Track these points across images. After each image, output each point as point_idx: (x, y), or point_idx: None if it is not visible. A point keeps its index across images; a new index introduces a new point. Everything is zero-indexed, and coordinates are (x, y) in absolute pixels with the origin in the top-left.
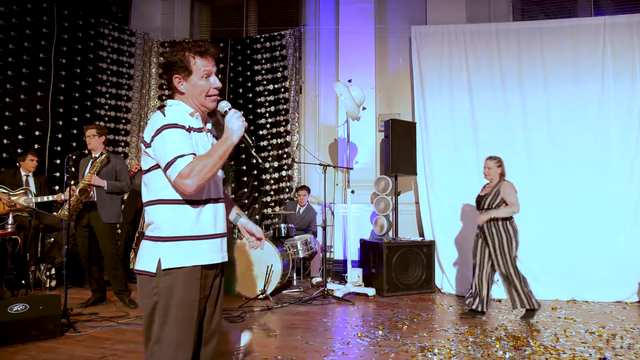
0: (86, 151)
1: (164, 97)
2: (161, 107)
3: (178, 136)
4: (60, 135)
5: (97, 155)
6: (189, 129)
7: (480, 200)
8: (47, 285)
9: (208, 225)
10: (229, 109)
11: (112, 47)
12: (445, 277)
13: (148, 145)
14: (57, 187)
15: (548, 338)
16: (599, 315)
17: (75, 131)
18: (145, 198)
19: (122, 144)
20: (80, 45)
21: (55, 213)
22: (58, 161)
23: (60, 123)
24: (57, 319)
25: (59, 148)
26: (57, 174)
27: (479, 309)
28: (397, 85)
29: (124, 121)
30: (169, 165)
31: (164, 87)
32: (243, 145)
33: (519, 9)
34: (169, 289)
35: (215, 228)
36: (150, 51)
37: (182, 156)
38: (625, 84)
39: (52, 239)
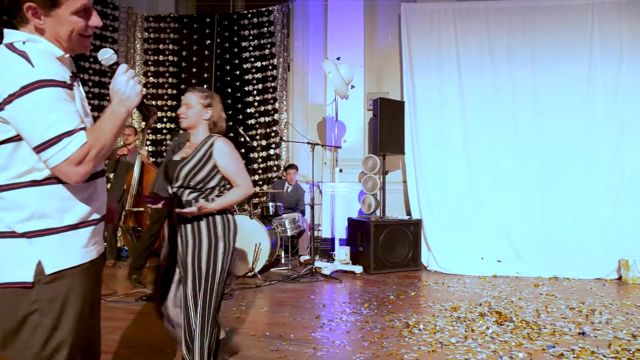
0: None
1: (149, 74)
2: (9, 44)
3: (59, 100)
4: None
5: None
6: (70, 85)
7: (173, 168)
8: None
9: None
10: (116, 63)
11: None
12: (432, 255)
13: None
14: None
15: (530, 313)
16: (579, 292)
17: None
18: None
19: None
20: None
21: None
22: None
23: None
24: None
25: None
26: None
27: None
28: (386, 64)
29: (108, 98)
30: (49, 144)
31: (149, 63)
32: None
33: None
34: (57, 300)
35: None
36: (134, 26)
37: (69, 133)
38: (612, 63)
39: None
